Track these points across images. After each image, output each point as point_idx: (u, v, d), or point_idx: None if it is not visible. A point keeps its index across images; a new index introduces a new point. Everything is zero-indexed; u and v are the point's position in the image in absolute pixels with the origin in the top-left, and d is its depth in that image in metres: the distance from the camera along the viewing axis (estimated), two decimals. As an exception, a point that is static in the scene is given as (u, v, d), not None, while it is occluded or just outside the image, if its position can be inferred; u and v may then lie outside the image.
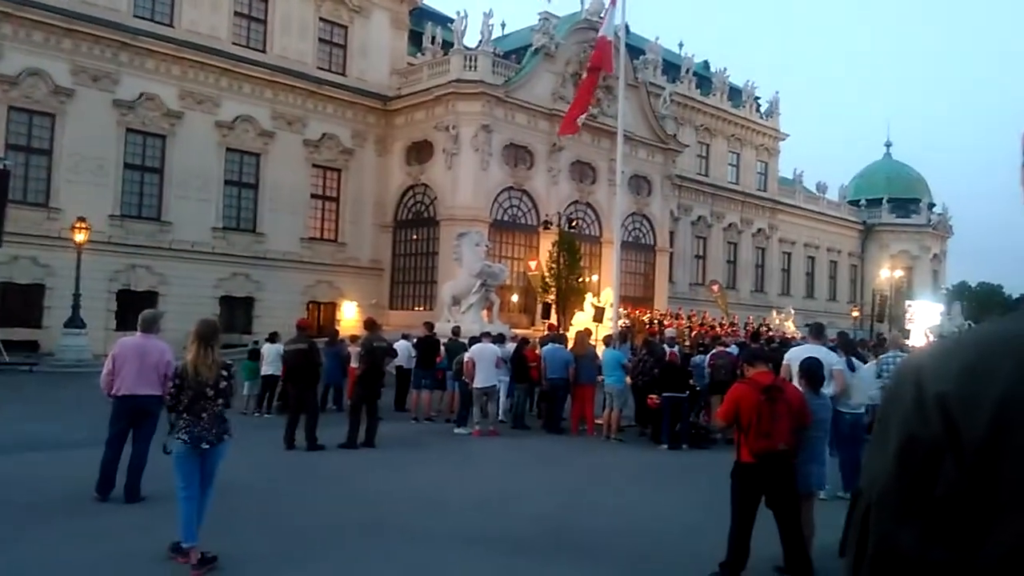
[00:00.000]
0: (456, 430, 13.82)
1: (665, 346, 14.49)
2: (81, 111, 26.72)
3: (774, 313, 37.14)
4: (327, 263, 32.84)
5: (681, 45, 47.63)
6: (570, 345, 15.57)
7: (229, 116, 30.32)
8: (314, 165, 32.89)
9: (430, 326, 16.39)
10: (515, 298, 31.91)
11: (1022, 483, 0.77)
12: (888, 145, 64.30)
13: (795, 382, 6.98)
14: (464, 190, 31.19)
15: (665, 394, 12.67)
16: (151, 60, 28.41)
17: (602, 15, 23.03)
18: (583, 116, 21.19)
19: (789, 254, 52.31)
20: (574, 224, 31.45)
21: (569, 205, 33.72)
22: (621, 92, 20.07)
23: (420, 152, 33.05)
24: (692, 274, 44.81)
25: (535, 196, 33.19)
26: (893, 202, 57.54)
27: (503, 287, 27.73)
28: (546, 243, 31.42)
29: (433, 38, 36.17)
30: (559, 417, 14.45)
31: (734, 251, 48.17)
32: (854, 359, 9.48)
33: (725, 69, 48.39)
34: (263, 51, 31.44)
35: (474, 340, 14.76)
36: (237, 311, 29.82)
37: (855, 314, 48.72)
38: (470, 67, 31.29)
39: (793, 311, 37.88)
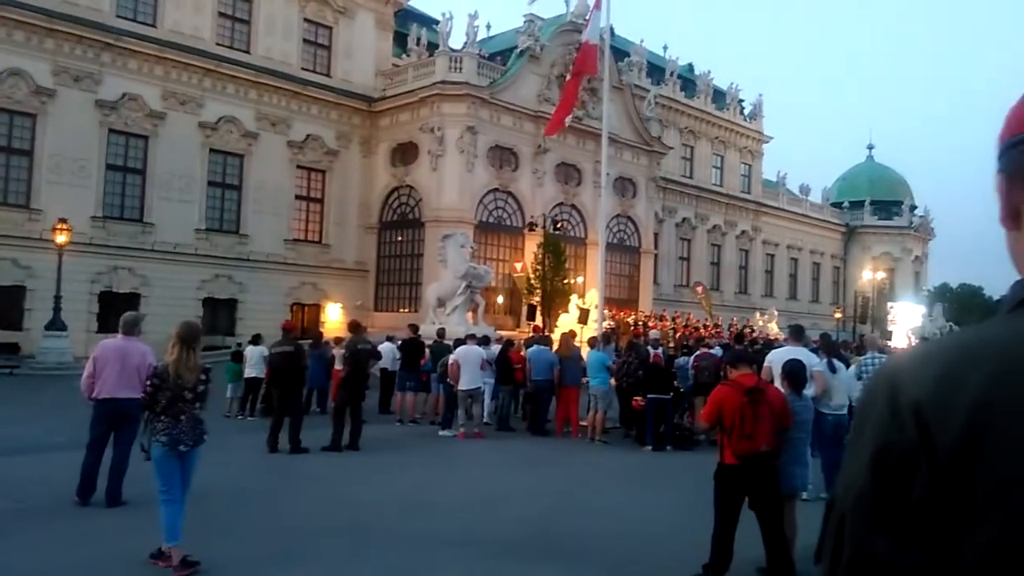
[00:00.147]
0: (441, 432, 13.79)
1: (649, 348, 14.53)
2: (63, 111, 26.48)
3: (758, 315, 37.33)
4: (311, 265, 32.70)
5: (666, 48, 47.84)
6: (555, 347, 15.58)
7: (212, 117, 30.13)
8: (298, 166, 32.76)
9: (415, 328, 16.35)
10: (500, 300, 31.91)
11: (995, 489, 0.77)
12: (870, 148, 64.88)
13: (777, 384, 7.02)
14: (449, 192, 31.16)
15: (649, 396, 12.70)
16: (134, 60, 28.19)
17: (587, 17, 23.06)
18: (569, 117, 21.26)
19: (772, 256, 52.61)
20: (559, 226, 31.47)
21: (554, 207, 33.76)
22: (606, 94, 20.12)
23: (405, 153, 32.99)
24: (676, 276, 44.97)
25: (520, 198, 33.20)
26: (875, 204, 57.99)
27: (488, 289, 27.71)
28: (531, 245, 31.45)
29: (418, 39, 36.15)
30: (544, 419, 14.46)
31: (718, 253, 48.38)
32: (835, 360, 9.53)
33: (709, 72, 48.64)
34: (247, 52, 31.29)
35: (459, 342, 14.75)
36: (220, 313, 29.65)
37: (838, 315, 49.05)
38: (455, 69, 31.27)
39: (776, 312, 38.09)
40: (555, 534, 7.41)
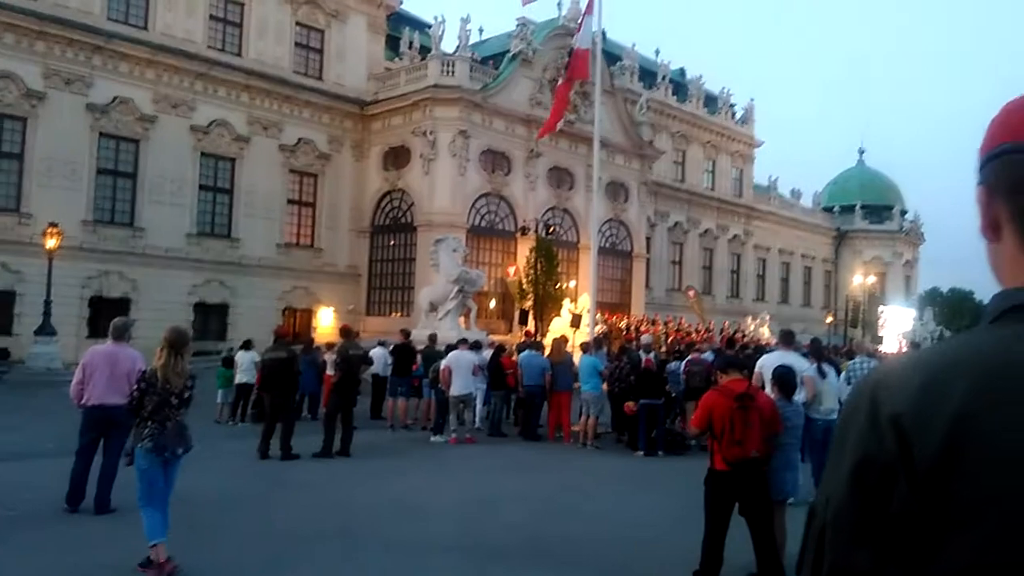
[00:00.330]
0: (433, 438, 13.77)
1: (641, 353, 14.54)
2: (53, 115, 26.33)
3: (749, 319, 37.40)
4: (303, 269, 32.59)
5: (657, 52, 47.91)
6: (547, 352, 15.57)
7: (204, 120, 30.03)
8: (290, 170, 32.67)
9: (406, 333, 16.33)
10: (493, 304, 31.89)
11: (973, 501, 0.77)
12: (861, 152, 65.26)
13: (767, 389, 7.03)
14: (441, 196, 31.14)
15: (641, 401, 12.71)
16: (125, 64, 28.08)
17: (579, 21, 23.11)
18: (561, 121, 21.34)
19: (764, 260, 52.76)
20: (551, 230, 31.53)
21: (546, 211, 33.81)
22: (598, 98, 20.15)
23: (397, 157, 32.96)
24: (668, 280, 45.03)
25: (512, 202, 33.21)
26: (866, 209, 58.21)
27: (480, 293, 27.68)
28: (523, 249, 31.46)
29: (411, 43, 36.13)
30: (536, 424, 14.46)
31: (710, 257, 48.47)
32: (825, 365, 9.56)
33: (701, 76, 48.76)
34: (239, 55, 31.20)
35: (451, 347, 14.74)
36: (211, 318, 29.53)
37: (829, 320, 49.23)
38: (448, 72, 31.28)
39: (768, 317, 38.18)
40: (547, 539, 7.41)
